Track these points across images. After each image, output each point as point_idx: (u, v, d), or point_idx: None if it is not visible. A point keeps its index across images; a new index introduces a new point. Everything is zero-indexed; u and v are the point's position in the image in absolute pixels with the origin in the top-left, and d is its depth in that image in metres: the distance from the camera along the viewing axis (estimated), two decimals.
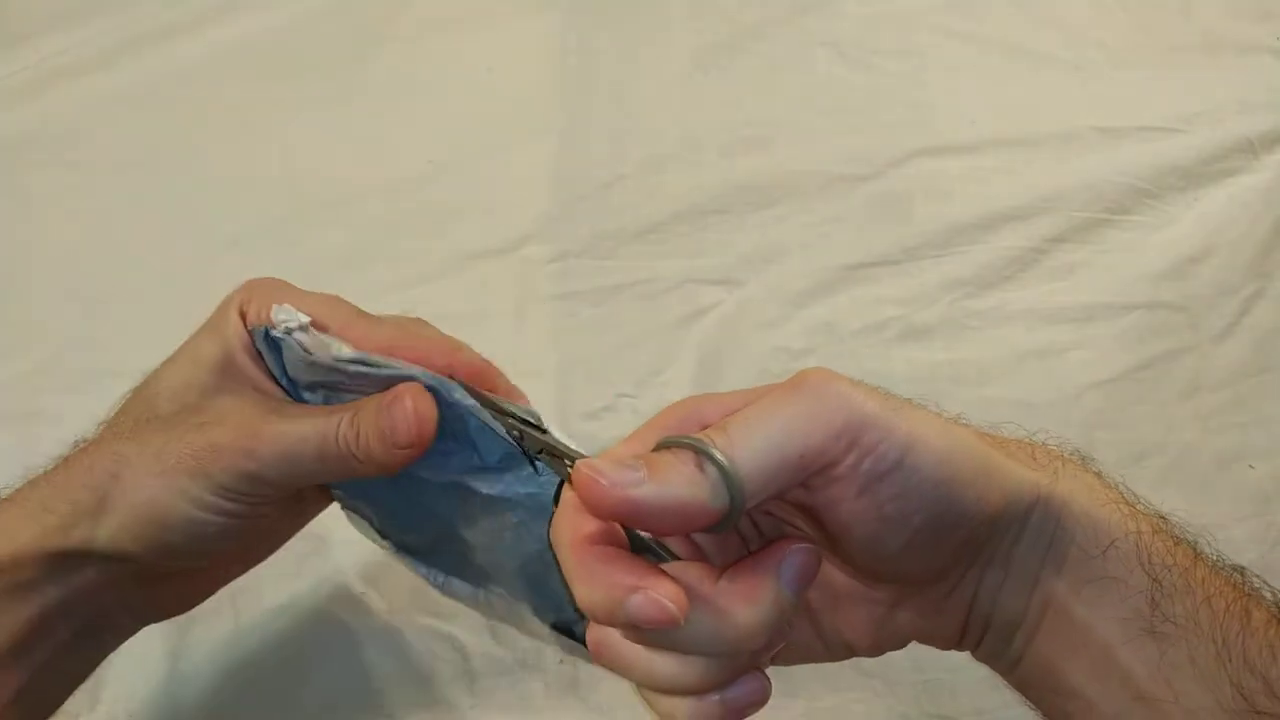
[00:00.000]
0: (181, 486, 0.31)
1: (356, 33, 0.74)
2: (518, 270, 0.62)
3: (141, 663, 0.48)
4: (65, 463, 0.34)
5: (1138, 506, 0.29)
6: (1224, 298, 0.58)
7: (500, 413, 0.33)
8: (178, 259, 0.63)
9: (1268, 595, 0.28)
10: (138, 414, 0.34)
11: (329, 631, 0.50)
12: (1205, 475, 0.53)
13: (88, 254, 0.65)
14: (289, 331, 0.33)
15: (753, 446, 0.25)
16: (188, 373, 0.34)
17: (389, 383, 0.33)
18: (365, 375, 0.33)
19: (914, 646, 0.32)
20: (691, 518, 0.24)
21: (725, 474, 0.24)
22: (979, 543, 0.27)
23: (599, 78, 0.70)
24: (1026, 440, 0.30)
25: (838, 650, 0.31)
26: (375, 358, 0.33)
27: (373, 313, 0.35)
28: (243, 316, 0.34)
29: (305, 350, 0.33)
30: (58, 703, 0.36)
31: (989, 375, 0.57)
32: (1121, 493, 0.29)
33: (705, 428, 0.26)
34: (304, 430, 0.32)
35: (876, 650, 0.31)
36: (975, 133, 0.66)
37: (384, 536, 0.40)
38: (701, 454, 0.25)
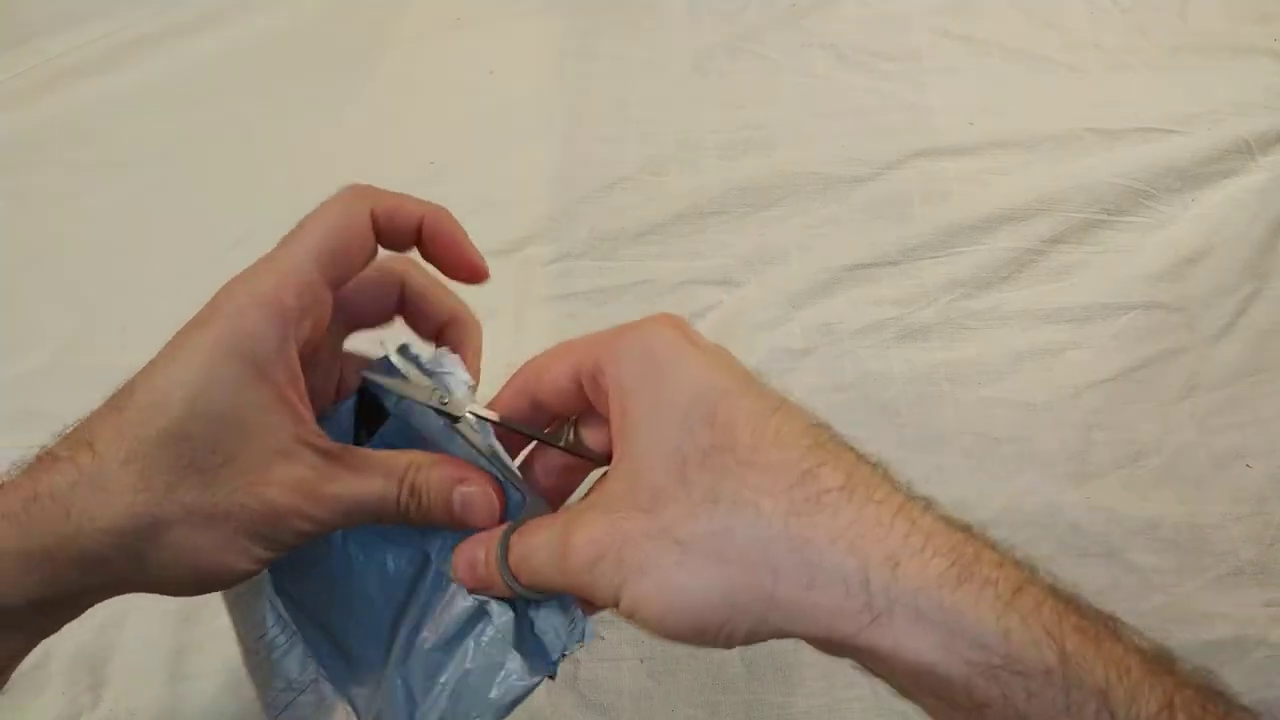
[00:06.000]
0: (241, 547, 0.31)
1: (358, 34, 0.74)
2: (518, 271, 0.62)
3: (143, 660, 0.48)
4: (32, 504, 0.29)
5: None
6: (1221, 298, 0.59)
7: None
8: (179, 259, 0.63)
9: None
10: (169, 465, 0.30)
11: None
12: (1202, 474, 0.53)
13: (88, 254, 0.65)
14: (467, 417, 0.35)
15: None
16: (223, 413, 0.31)
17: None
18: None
19: None
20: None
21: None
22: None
23: (599, 79, 0.71)
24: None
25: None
26: (512, 469, 0.35)
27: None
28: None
29: (471, 432, 0.35)
30: None
31: (987, 375, 0.57)
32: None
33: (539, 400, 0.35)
34: (363, 493, 0.33)
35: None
36: (973, 134, 0.66)
37: (277, 591, 0.37)
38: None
